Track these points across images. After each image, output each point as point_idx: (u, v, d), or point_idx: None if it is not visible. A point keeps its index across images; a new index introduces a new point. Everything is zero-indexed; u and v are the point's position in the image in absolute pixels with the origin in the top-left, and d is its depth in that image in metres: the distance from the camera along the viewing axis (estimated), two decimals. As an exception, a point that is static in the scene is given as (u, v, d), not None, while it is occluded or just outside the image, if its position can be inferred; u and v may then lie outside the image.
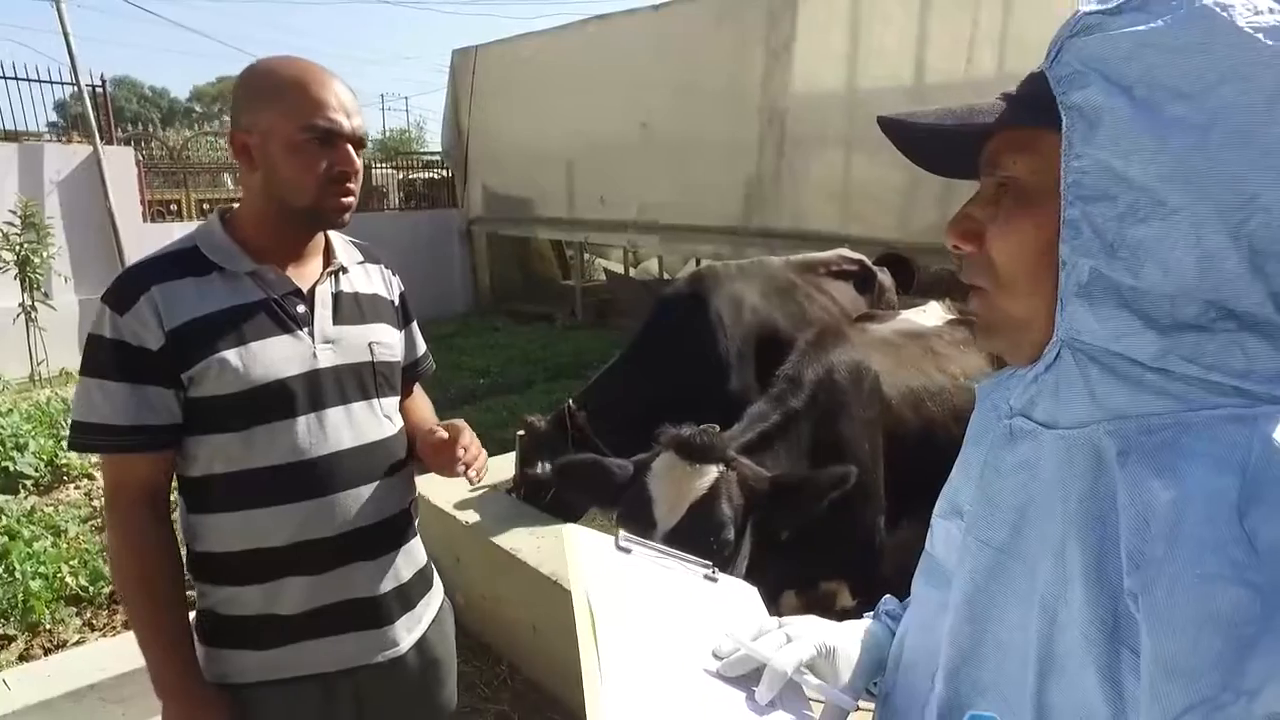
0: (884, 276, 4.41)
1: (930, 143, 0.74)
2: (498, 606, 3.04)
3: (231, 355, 1.34)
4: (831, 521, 2.03)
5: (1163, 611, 0.54)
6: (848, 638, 0.90)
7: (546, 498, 3.26)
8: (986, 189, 0.70)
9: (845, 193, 8.14)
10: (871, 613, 1.00)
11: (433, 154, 13.71)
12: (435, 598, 1.69)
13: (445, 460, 1.53)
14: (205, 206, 11.31)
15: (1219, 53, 0.55)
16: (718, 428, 1.96)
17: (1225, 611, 0.52)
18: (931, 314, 3.45)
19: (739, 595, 1.04)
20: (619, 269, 12.99)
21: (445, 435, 1.53)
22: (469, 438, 1.55)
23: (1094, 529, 0.61)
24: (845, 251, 4.44)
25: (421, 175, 14.46)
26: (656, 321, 3.33)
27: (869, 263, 4.32)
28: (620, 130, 10.01)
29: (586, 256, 12.35)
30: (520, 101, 11.31)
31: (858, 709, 0.85)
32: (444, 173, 13.84)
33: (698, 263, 10.24)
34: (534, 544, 3.03)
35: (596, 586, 0.87)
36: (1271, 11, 0.56)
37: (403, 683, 1.57)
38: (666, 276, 12.09)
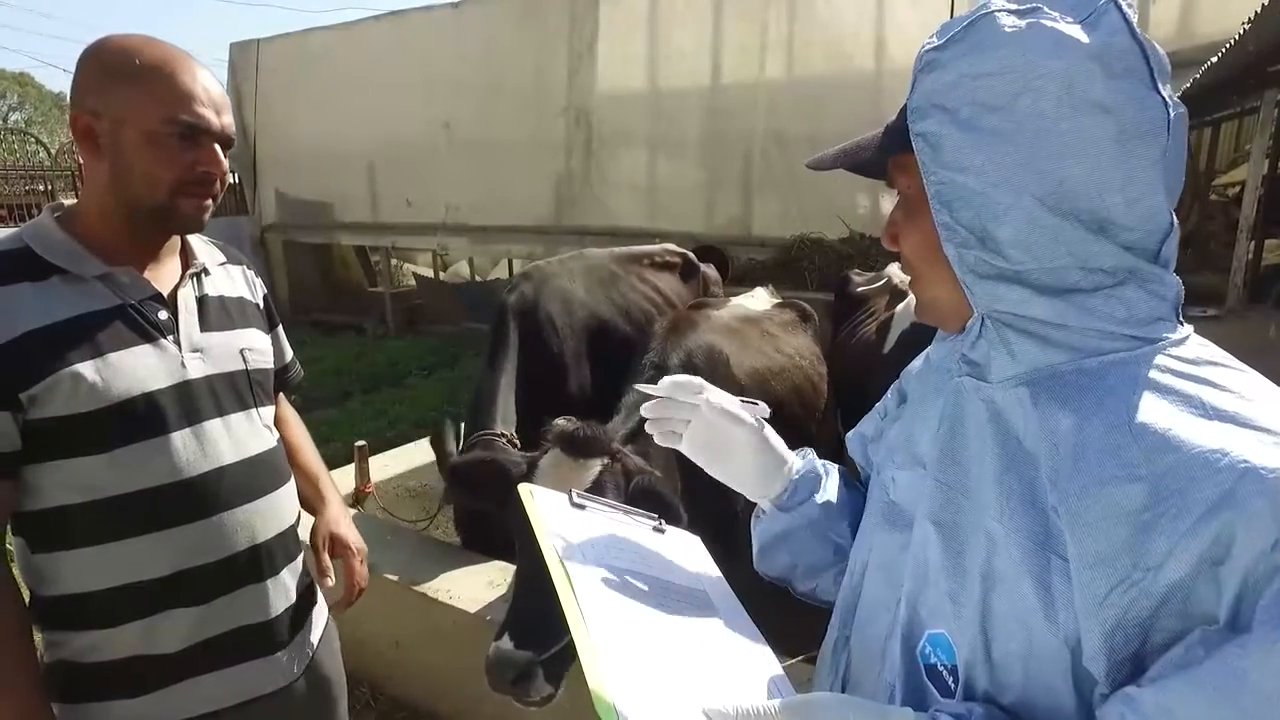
0: (710, 269, 4.60)
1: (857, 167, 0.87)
2: (355, 626, 2.90)
3: (86, 369, 1.20)
4: (702, 499, 2.13)
5: (1078, 514, 0.67)
6: None
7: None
8: (900, 199, 0.84)
9: (652, 189, 8.45)
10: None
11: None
12: (322, 612, 1.61)
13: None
14: None
15: (1014, 73, 0.70)
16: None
17: (1124, 504, 0.65)
18: (759, 299, 3.68)
19: (686, 544, 1.12)
20: (428, 273, 12.61)
21: (328, 572, 1.57)
22: (362, 576, 1.62)
23: (1026, 462, 0.74)
24: (670, 245, 4.59)
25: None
26: (498, 332, 3.29)
27: (693, 256, 4.49)
28: (424, 131, 9.77)
29: (394, 262, 11.89)
30: (313, 100, 10.72)
31: (760, 422, 1.09)
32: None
33: (510, 263, 10.17)
34: (390, 555, 2.92)
35: (564, 542, 0.92)
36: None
37: (297, 709, 1.48)
38: (478, 279, 11.90)
